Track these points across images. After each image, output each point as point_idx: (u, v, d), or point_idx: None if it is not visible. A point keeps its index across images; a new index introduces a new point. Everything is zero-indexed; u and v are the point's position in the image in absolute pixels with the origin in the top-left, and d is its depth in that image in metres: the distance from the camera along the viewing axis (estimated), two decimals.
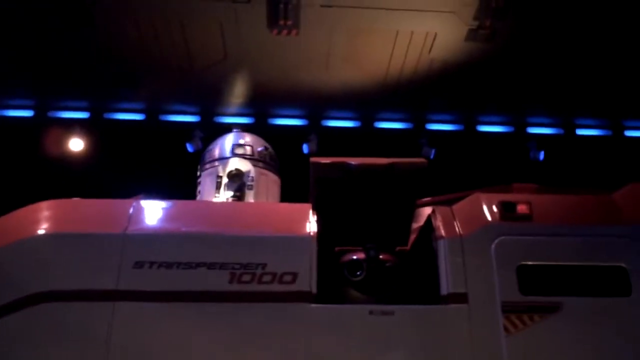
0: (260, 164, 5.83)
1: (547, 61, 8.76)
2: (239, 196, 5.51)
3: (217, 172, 5.70)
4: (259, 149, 5.97)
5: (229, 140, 6.00)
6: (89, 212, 4.52)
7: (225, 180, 5.55)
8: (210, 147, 6.10)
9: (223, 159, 5.78)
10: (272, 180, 5.87)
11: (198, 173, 5.98)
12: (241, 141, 5.96)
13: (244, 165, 5.65)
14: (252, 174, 5.63)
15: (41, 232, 4.29)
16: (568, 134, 10.20)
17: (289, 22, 7.90)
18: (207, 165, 5.85)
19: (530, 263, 4.23)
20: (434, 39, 8.36)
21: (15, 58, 8.57)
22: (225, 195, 5.53)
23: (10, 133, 9.38)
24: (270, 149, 6.12)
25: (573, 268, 4.25)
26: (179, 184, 6.71)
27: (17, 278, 4.05)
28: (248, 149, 5.86)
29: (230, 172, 5.56)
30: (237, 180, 5.51)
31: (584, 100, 9.63)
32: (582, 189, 5.12)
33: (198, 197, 5.77)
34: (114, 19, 7.96)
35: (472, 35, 8.19)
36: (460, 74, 8.94)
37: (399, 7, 7.80)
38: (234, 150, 5.84)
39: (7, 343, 3.92)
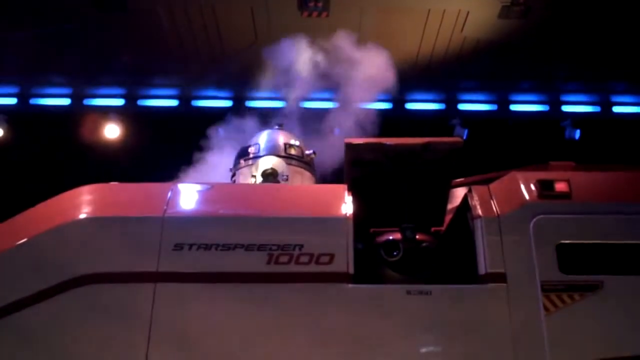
0: (295, 162, 5.78)
1: (582, 38, 8.57)
2: None
3: (250, 170, 5.66)
4: (294, 147, 5.92)
5: (263, 138, 5.96)
6: (128, 196, 4.59)
7: (259, 179, 5.48)
8: (244, 145, 6.04)
9: (257, 158, 5.74)
10: (307, 178, 5.83)
11: (232, 171, 5.96)
12: (276, 139, 5.90)
13: (278, 164, 5.56)
14: (287, 172, 5.55)
15: (83, 216, 4.37)
16: (605, 111, 9.99)
17: (319, 4, 7.91)
18: (242, 164, 5.84)
19: (570, 242, 4.17)
20: (467, 17, 8.24)
21: (50, 48, 8.72)
22: None
23: (49, 121, 9.61)
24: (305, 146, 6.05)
25: (614, 246, 4.18)
26: (213, 168, 6.75)
27: (61, 261, 4.14)
28: (282, 147, 5.81)
29: (265, 171, 5.48)
30: (271, 179, 5.44)
31: (621, 77, 9.42)
32: (621, 167, 5.01)
33: None
34: (146, 5, 8.04)
35: (505, 12, 8.07)
36: (493, 52, 8.82)
37: None
38: (268, 149, 5.80)
39: (53, 324, 4.02)
